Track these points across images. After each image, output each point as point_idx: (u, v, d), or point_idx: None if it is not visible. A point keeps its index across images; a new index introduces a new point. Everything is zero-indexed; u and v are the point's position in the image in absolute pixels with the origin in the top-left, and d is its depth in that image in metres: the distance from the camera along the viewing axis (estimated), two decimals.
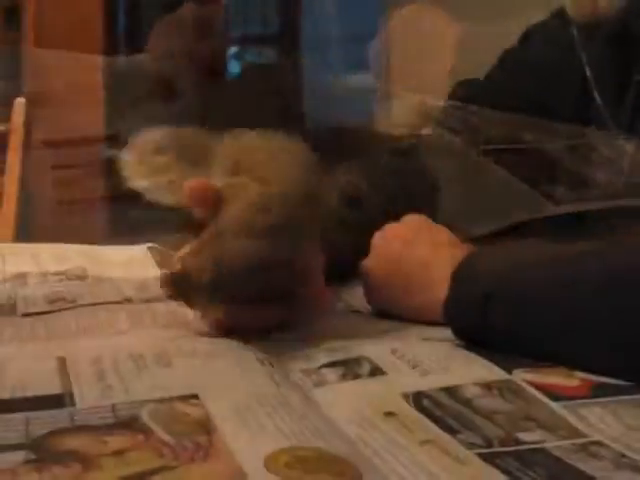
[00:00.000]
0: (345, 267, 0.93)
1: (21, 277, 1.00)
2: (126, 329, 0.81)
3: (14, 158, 1.64)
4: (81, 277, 1.01)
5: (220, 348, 0.75)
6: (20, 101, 1.66)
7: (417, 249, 0.89)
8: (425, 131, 3.97)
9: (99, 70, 2.95)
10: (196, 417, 0.60)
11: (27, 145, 1.64)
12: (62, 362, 0.72)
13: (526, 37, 1.15)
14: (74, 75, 2.94)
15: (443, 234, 0.92)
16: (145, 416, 0.60)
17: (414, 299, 0.87)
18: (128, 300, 0.92)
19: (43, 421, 0.60)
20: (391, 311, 0.89)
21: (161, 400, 0.63)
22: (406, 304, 0.87)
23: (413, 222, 0.93)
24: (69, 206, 2.90)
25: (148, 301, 0.91)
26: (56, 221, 2.80)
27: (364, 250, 0.92)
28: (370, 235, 0.93)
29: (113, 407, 0.62)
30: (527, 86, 1.13)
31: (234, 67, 7.36)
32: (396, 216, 0.94)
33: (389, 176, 1.12)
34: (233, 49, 7.42)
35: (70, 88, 2.93)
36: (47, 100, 2.73)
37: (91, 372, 0.69)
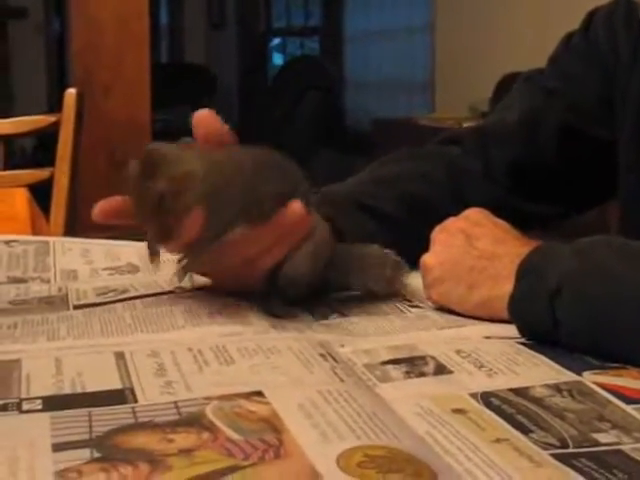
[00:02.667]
0: None
1: (72, 272, 0.99)
2: (182, 324, 0.79)
3: (65, 150, 1.64)
4: (132, 272, 1.00)
5: (281, 344, 0.73)
6: (71, 92, 1.65)
7: (480, 243, 0.87)
8: (469, 124, 3.96)
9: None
10: (262, 415, 0.58)
11: (78, 136, 1.63)
12: (120, 356, 0.71)
13: (589, 22, 1.12)
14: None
15: (505, 228, 0.89)
16: (209, 413, 0.59)
17: (477, 295, 0.84)
18: (181, 288, 0.90)
19: (106, 417, 0.58)
20: (452, 306, 0.87)
21: (225, 397, 0.61)
22: (468, 300, 0.85)
23: (474, 216, 0.91)
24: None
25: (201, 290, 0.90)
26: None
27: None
28: None
29: (176, 404, 0.61)
30: (590, 76, 1.09)
31: (277, 59, 7.38)
32: None
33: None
34: (276, 41, 7.43)
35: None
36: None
37: (150, 367, 0.68)
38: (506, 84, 3.90)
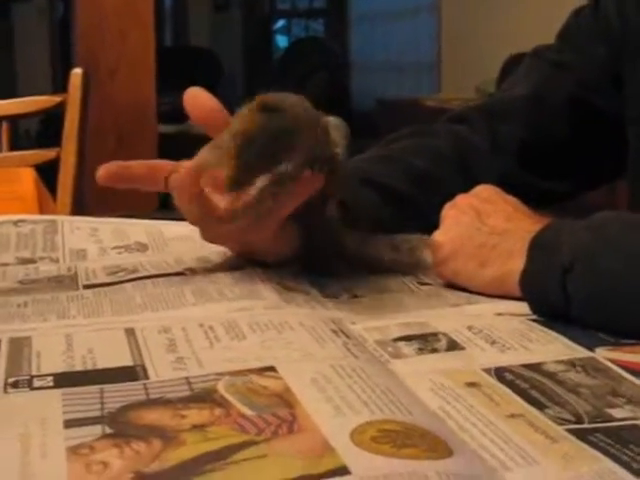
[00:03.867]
0: None
1: (81, 252, 0.99)
2: (193, 302, 0.78)
3: (72, 130, 1.63)
4: (141, 250, 0.99)
5: (292, 320, 0.72)
6: (77, 72, 1.64)
7: (491, 220, 0.86)
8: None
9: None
10: (275, 390, 0.58)
11: (84, 116, 1.62)
12: (131, 332, 0.70)
13: (577, 17, 1.11)
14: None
15: (516, 205, 0.89)
16: (222, 389, 0.58)
17: (488, 271, 0.84)
18: (191, 270, 0.90)
19: (117, 394, 0.58)
20: (462, 283, 0.86)
21: (237, 373, 0.61)
22: (479, 276, 0.84)
23: (485, 193, 0.90)
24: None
25: (211, 271, 0.89)
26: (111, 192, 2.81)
27: None
28: None
29: (187, 380, 0.60)
30: (600, 51, 1.08)
31: (282, 41, 7.36)
32: None
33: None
34: (281, 22, 7.41)
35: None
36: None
37: (161, 343, 0.68)
38: (513, 64, 3.88)
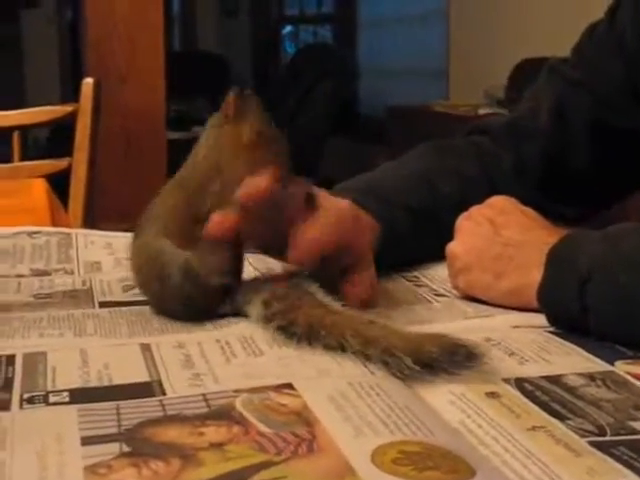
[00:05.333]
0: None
1: (95, 264, 0.98)
2: (211, 328, 0.76)
3: (83, 140, 1.63)
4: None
5: None
6: (88, 81, 1.64)
7: (507, 231, 0.85)
8: (485, 111, 3.94)
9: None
10: (293, 407, 0.57)
11: (95, 126, 1.62)
12: (146, 348, 0.70)
13: (614, 11, 1.09)
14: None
15: (532, 215, 0.88)
16: (239, 406, 0.58)
17: (505, 283, 0.83)
18: None
19: (134, 410, 0.58)
20: (478, 295, 0.85)
21: (254, 390, 0.60)
22: (495, 288, 0.84)
23: (499, 203, 0.89)
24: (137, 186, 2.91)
25: None
26: (123, 202, 2.80)
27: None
28: None
29: (204, 396, 0.60)
30: (616, 67, 1.07)
31: (289, 47, 7.35)
32: None
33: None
34: (288, 28, 7.40)
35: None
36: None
37: (177, 358, 0.67)
38: (522, 70, 3.87)
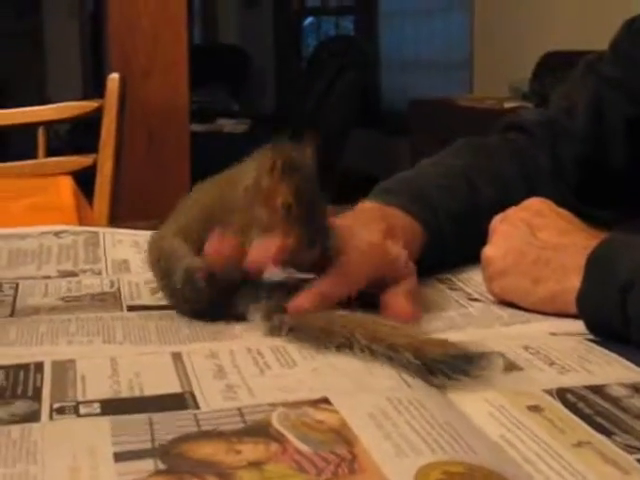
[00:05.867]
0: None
1: (123, 263, 0.97)
2: (240, 333, 0.75)
3: (109, 136, 1.61)
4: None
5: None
6: (114, 77, 1.62)
7: (543, 234, 0.83)
8: (510, 104, 3.92)
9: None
10: (331, 425, 0.56)
11: (121, 122, 1.60)
12: (177, 357, 0.68)
13: (630, 27, 1.08)
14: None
15: (569, 218, 0.86)
16: (276, 422, 0.56)
17: (543, 289, 0.81)
18: None
19: (167, 424, 0.56)
20: (515, 301, 0.83)
21: (290, 404, 0.59)
22: (532, 294, 0.82)
23: (536, 206, 0.87)
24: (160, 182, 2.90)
25: None
26: (146, 197, 2.80)
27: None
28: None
29: (240, 411, 0.58)
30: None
31: (310, 38, 7.33)
32: None
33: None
34: (310, 20, 7.38)
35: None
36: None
37: (209, 368, 0.66)
38: (547, 63, 3.84)
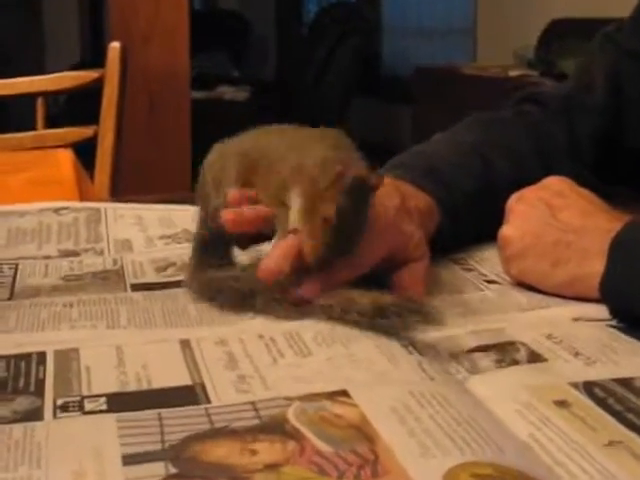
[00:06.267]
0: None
1: (126, 242, 0.94)
2: (251, 315, 0.72)
3: (110, 107, 1.57)
4: (190, 240, 0.94)
5: (358, 332, 0.67)
6: (115, 45, 1.57)
7: (564, 215, 0.80)
8: (515, 72, 3.87)
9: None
10: (351, 420, 0.53)
11: (122, 92, 1.56)
12: (186, 344, 0.65)
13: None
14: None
15: (591, 198, 0.82)
16: (292, 418, 0.53)
17: (563, 272, 0.78)
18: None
19: (178, 421, 0.53)
20: (533, 283, 0.80)
21: (307, 397, 0.56)
22: (552, 277, 0.79)
23: (556, 185, 0.84)
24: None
25: None
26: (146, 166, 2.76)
27: None
28: None
29: (253, 405, 0.55)
30: None
31: (312, 4, 7.26)
32: None
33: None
34: None
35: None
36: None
37: (219, 357, 0.63)
38: (552, 30, 3.78)
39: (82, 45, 6.56)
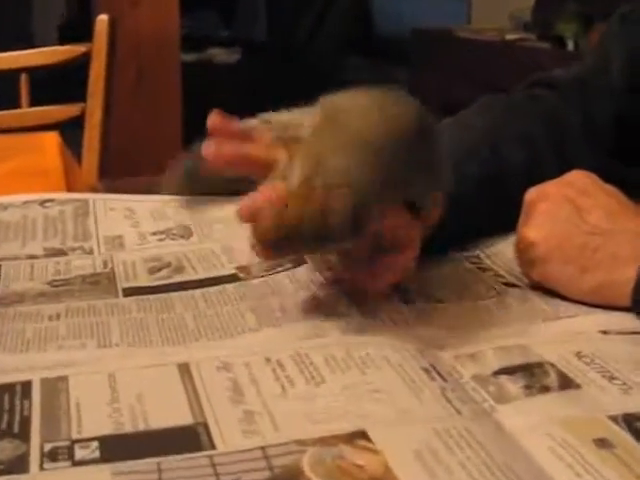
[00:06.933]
0: None
1: (117, 239, 0.88)
2: (254, 326, 0.67)
3: (98, 83, 1.49)
4: (185, 237, 0.88)
5: (374, 352, 0.61)
6: (102, 18, 1.49)
7: (592, 217, 0.74)
8: (512, 36, 3.78)
9: None
10: (373, 472, 0.47)
11: (110, 68, 1.49)
12: (185, 369, 0.59)
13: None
14: None
15: (618, 198, 0.76)
16: (308, 469, 0.47)
17: (590, 278, 0.72)
18: (245, 270, 0.79)
19: (180, 473, 0.48)
20: (558, 290, 0.75)
21: (322, 441, 0.50)
22: (579, 283, 0.73)
23: (581, 182, 0.78)
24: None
25: (267, 271, 0.78)
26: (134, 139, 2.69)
27: None
28: None
29: (264, 451, 0.49)
30: None
31: None
32: None
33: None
34: None
35: None
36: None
37: (222, 385, 0.57)
38: None
39: (68, 5, 6.43)
